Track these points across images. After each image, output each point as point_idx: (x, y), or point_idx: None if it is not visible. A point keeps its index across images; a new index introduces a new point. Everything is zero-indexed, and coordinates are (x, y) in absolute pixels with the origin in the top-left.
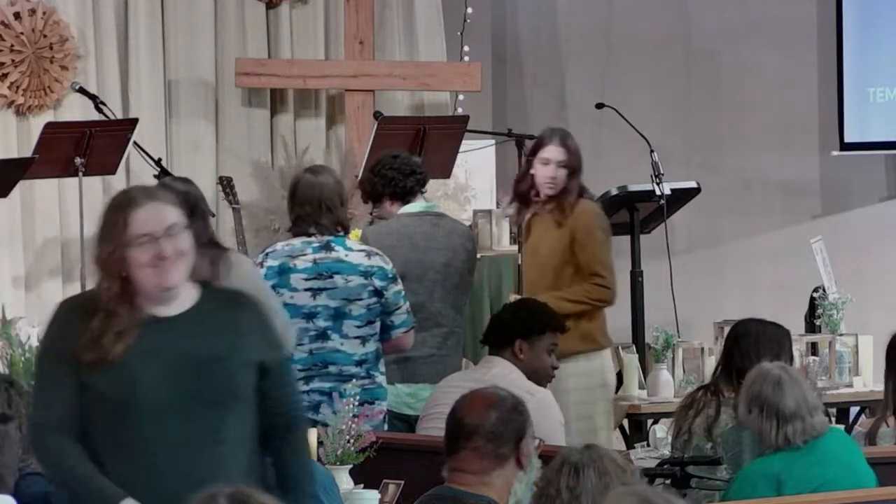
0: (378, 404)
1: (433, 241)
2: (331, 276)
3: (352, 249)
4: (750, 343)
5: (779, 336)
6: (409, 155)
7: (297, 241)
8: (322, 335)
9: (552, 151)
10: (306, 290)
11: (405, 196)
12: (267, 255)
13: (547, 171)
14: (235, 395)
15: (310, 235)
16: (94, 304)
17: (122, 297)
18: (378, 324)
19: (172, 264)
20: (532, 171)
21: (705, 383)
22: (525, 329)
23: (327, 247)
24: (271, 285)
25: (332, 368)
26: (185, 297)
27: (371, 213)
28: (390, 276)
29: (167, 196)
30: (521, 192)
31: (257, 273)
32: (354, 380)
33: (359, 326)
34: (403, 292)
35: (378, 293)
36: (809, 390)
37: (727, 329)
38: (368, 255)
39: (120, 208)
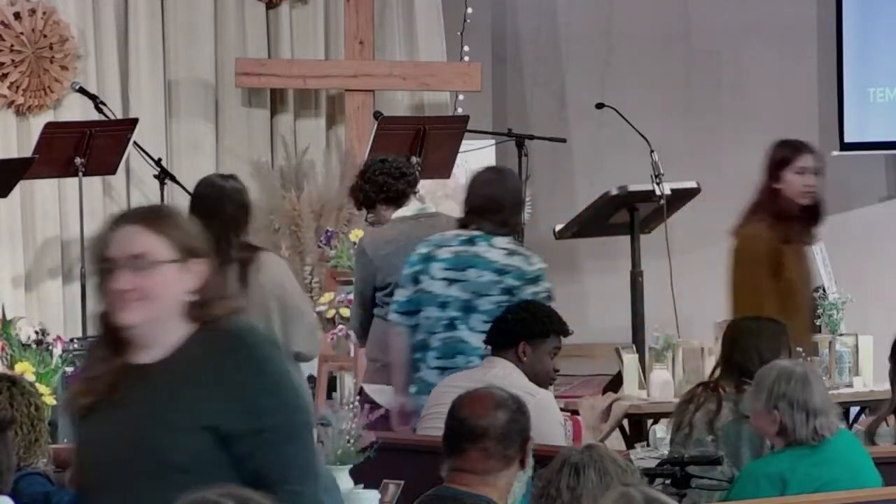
0: None
1: None
2: (464, 269)
3: (494, 247)
4: (750, 340)
5: (777, 332)
6: (396, 157)
7: (451, 234)
8: (451, 325)
9: (809, 160)
10: (442, 279)
11: (398, 200)
12: (422, 241)
13: (806, 179)
14: (177, 466)
15: (467, 229)
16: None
17: (109, 335)
18: None
19: (126, 301)
20: (779, 186)
21: (705, 380)
22: (529, 331)
23: (471, 241)
24: (416, 271)
25: (459, 359)
26: (169, 341)
27: (367, 220)
28: (528, 277)
29: (163, 222)
30: (777, 211)
31: (286, 273)
32: None
33: (486, 321)
34: (543, 295)
35: (509, 292)
36: (826, 389)
37: None
38: (510, 253)
39: (109, 222)
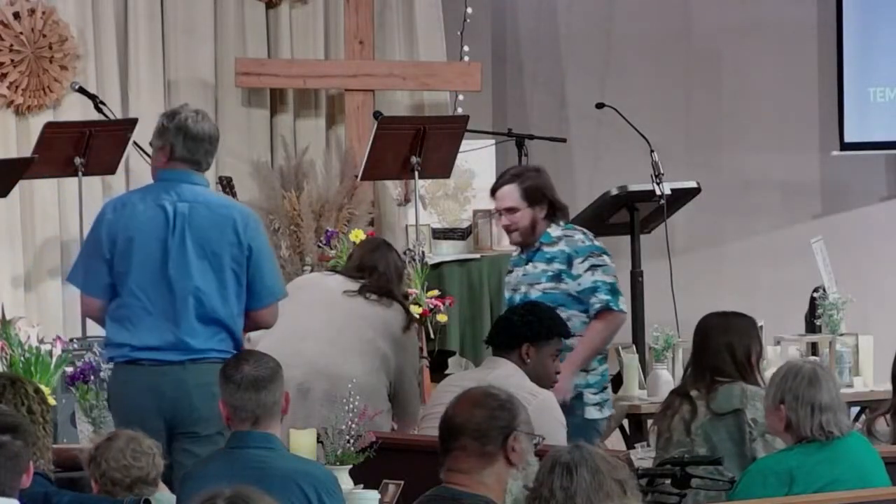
0: None
1: None
2: None
3: None
4: (720, 338)
5: (746, 326)
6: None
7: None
8: None
9: None
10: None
11: None
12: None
13: None
14: None
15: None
16: None
17: None
18: None
19: None
20: None
21: (676, 388)
22: (534, 333)
23: None
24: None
25: None
26: None
27: None
28: None
29: None
30: None
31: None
32: None
33: None
34: None
35: None
36: (837, 389)
37: None
38: None
39: None
